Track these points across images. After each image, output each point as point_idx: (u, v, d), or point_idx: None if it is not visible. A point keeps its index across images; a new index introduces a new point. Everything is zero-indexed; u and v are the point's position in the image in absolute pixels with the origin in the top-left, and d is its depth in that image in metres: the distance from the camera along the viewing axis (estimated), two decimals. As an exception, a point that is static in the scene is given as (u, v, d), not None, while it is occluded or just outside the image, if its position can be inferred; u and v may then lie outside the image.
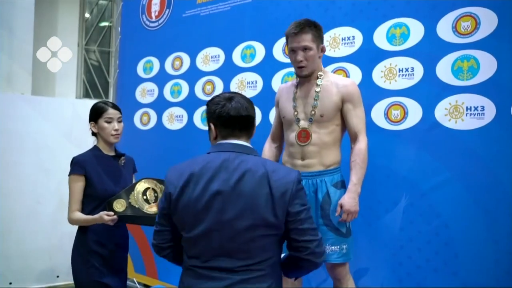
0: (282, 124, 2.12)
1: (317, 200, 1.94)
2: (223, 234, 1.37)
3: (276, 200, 1.34)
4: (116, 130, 2.09)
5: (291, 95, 2.05)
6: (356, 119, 1.94)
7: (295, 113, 2.00)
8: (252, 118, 1.45)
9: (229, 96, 1.44)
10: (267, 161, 1.44)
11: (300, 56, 1.92)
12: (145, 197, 2.03)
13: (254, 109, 1.46)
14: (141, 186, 2.06)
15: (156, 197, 2.05)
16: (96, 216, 1.96)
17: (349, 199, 1.87)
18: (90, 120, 2.14)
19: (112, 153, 2.18)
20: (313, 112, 1.95)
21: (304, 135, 1.97)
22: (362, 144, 1.92)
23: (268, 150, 2.20)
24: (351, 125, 1.95)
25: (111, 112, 2.10)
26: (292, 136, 2.01)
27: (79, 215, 2.04)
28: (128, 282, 3.49)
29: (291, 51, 1.95)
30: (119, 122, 2.12)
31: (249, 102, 1.46)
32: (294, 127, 2.00)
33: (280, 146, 2.19)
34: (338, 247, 1.92)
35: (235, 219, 1.35)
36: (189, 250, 1.44)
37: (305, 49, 1.91)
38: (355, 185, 1.88)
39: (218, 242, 1.38)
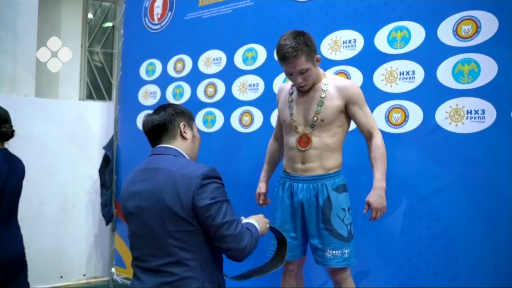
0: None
1: (318, 205, 1.94)
2: (143, 233, 1.46)
3: (182, 194, 1.39)
4: None
5: (287, 100, 2.05)
6: (366, 118, 1.94)
7: (293, 119, 1.99)
8: (159, 125, 1.53)
9: (154, 110, 1.59)
10: (180, 159, 1.50)
11: (299, 79, 1.89)
12: None
13: (166, 115, 1.53)
14: None
15: None
16: None
17: (376, 196, 1.86)
18: None
19: None
20: (315, 118, 1.94)
21: (305, 140, 1.96)
22: (378, 139, 1.92)
23: (271, 147, 2.25)
24: (363, 125, 1.95)
25: None
26: (292, 140, 2.01)
27: None
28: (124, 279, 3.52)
29: (289, 74, 1.92)
30: None
31: (160, 112, 1.54)
32: (293, 132, 2.00)
33: (282, 144, 2.19)
34: (340, 251, 1.92)
35: (149, 216, 1.43)
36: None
37: (302, 72, 1.87)
38: (379, 181, 1.88)
39: (141, 241, 1.48)
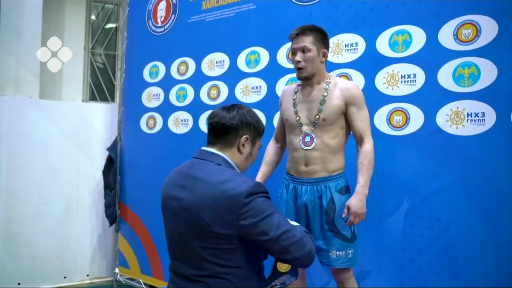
0: (284, 126, 2.16)
1: (322, 206, 1.97)
2: (178, 239, 1.42)
3: (223, 212, 1.31)
4: None
5: (291, 99, 2.08)
6: (361, 122, 1.97)
7: (297, 118, 2.03)
8: (224, 126, 1.44)
9: (228, 106, 1.50)
10: (226, 171, 1.40)
11: (298, 56, 1.95)
12: None
13: (236, 120, 1.44)
14: None
15: None
16: None
17: (356, 201, 1.89)
18: None
19: None
20: (317, 117, 1.98)
21: (308, 139, 1.99)
22: (368, 146, 1.95)
23: (270, 149, 2.25)
24: (356, 128, 1.98)
25: None
26: (295, 140, 2.03)
27: None
28: (134, 283, 3.56)
29: (292, 53, 2.00)
30: None
31: (232, 111, 1.46)
32: (297, 131, 2.03)
33: (282, 146, 2.23)
34: (344, 252, 1.95)
35: (185, 228, 1.38)
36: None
37: (304, 50, 1.94)
38: (362, 187, 1.90)
39: (175, 246, 1.44)
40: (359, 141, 1.98)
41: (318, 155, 1.98)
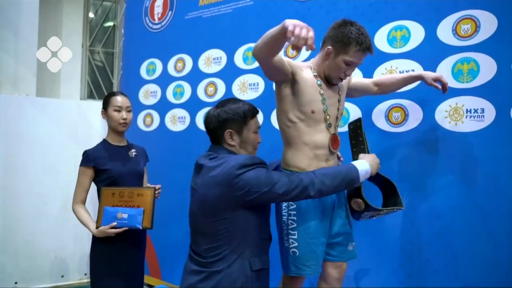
0: (281, 65, 1.76)
1: (340, 200, 1.89)
2: (193, 219, 1.67)
3: (221, 188, 1.52)
4: (124, 119, 2.16)
5: (317, 91, 1.82)
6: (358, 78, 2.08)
7: (327, 116, 1.83)
8: (209, 131, 1.67)
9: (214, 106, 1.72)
10: (223, 156, 1.60)
11: (351, 71, 1.82)
12: None
13: (213, 122, 1.64)
14: None
15: None
16: (95, 230, 2.08)
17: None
18: (102, 109, 2.23)
19: (123, 144, 2.25)
20: (338, 117, 1.90)
21: (336, 141, 1.87)
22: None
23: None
24: (362, 81, 2.10)
25: (120, 100, 2.16)
26: (321, 138, 1.83)
27: (82, 213, 2.18)
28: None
29: (346, 64, 1.76)
30: (128, 111, 2.19)
31: (213, 112, 1.66)
32: (323, 128, 1.84)
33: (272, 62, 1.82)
34: (354, 242, 1.92)
35: (196, 207, 1.63)
36: None
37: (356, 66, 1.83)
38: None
39: (192, 226, 1.69)
40: (371, 84, 2.10)
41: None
